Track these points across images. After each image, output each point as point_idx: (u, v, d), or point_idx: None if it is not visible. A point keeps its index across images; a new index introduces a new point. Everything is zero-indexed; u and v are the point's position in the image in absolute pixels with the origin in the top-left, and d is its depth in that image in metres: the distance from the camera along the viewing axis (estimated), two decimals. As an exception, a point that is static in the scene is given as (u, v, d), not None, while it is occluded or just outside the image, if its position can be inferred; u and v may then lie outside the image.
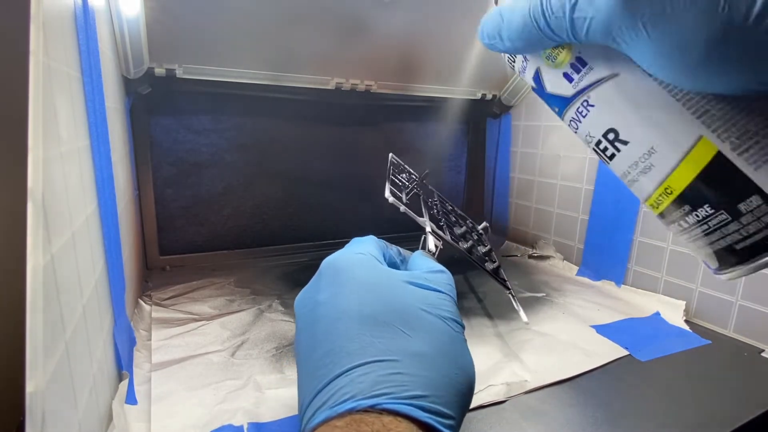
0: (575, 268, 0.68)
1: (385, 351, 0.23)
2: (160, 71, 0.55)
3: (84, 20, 0.31)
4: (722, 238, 0.19)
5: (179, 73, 0.56)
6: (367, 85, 0.69)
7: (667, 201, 0.20)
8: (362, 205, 0.79)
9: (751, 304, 0.48)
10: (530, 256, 0.76)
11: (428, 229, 0.43)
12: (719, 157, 0.18)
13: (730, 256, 0.19)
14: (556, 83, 0.23)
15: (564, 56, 0.21)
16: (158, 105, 0.61)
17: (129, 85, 0.54)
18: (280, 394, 0.36)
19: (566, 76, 0.22)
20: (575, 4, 0.18)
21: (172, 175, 0.65)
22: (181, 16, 0.50)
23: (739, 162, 0.17)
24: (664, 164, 0.19)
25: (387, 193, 0.43)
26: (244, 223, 0.71)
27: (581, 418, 0.34)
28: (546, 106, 0.25)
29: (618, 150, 0.21)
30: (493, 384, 0.37)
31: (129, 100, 0.55)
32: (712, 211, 0.19)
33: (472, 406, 0.35)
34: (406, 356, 0.23)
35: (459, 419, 0.24)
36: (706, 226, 0.19)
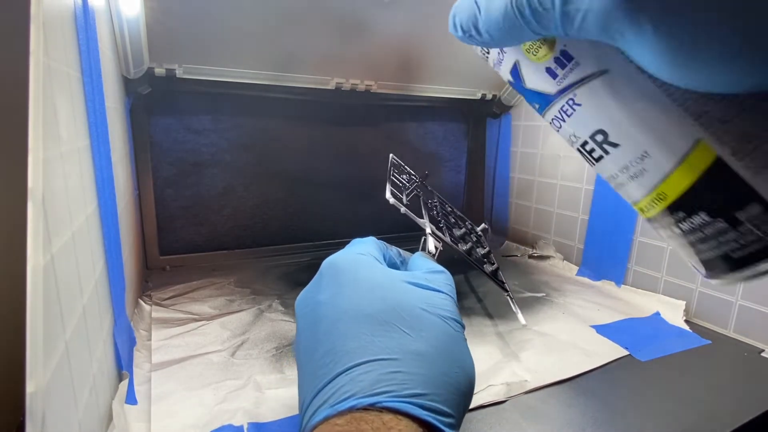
0: (575, 268, 0.68)
1: (385, 350, 0.23)
2: (160, 71, 0.55)
3: (84, 20, 0.31)
4: (717, 246, 0.17)
5: (179, 73, 0.56)
6: (367, 85, 0.69)
7: (659, 207, 0.19)
8: (362, 205, 0.79)
9: (751, 304, 0.48)
10: (530, 256, 0.76)
11: (428, 230, 0.43)
12: (718, 162, 0.16)
13: (724, 264, 0.18)
14: (537, 79, 0.21)
15: (547, 49, 0.19)
16: (158, 105, 0.61)
17: (129, 85, 0.54)
18: (280, 394, 0.36)
19: (549, 71, 0.20)
20: None
21: (172, 175, 0.65)
22: (181, 16, 0.50)
23: (739, 168, 0.16)
24: (657, 169, 0.18)
25: (388, 194, 0.43)
26: (244, 223, 0.71)
27: (581, 418, 0.34)
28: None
29: (606, 152, 0.19)
30: (493, 384, 0.37)
31: (129, 100, 0.55)
32: (709, 219, 0.17)
33: (472, 406, 0.35)
34: (407, 355, 0.23)
35: (459, 418, 0.24)
36: (700, 234, 0.18)
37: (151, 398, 0.35)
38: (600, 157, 0.20)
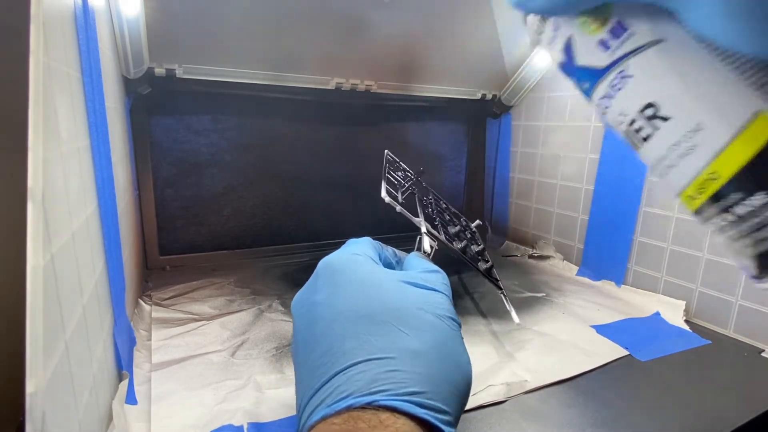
0: (575, 268, 0.68)
1: (381, 349, 0.23)
2: (160, 71, 0.55)
3: (84, 20, 0.31)
4: None
5: (179, 73, 0.57)
6: (367, 85, 0.69)
7: (711, 189, 0.17)
8: (362, 205, 0.79)
9: (751, 304, 0.48)
10: (530, 256, 0.76)
11: (423, 229, 0.43)
12: None
13: None
14: (589, 53, 0.20)
15: (603, 21, 0.19)
16: (158, 105, 0.61)
17: (129, 85, 0.54)
18: (280, 394, 0.36)
19: (603, 43, 0.19)
20: None
21: (172, 175, 0.65)
22: (181, 16, 0.50)
23: None
24: (711, 143, 0.16)
25: (383, 193, 0.43)
26: (244, 223, 0.71)
27: (581, 418, 0.34)
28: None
29: (656, 128, 0.18)
30: (492, 384, 0.37)
31: (129, 100, 0.55)
32: (767, 199, 0.16)
33: (472, 406, 0.35)
34: (403, 354, 0.23)
35: (456, 415, 0.24)
36: (757, 219, 0.16)
37: (151, 398, 0.35)
38: (648, 136, 0.19)
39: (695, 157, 0.17)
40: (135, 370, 0.38)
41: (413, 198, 0.52)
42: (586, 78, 0.21)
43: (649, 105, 0.18)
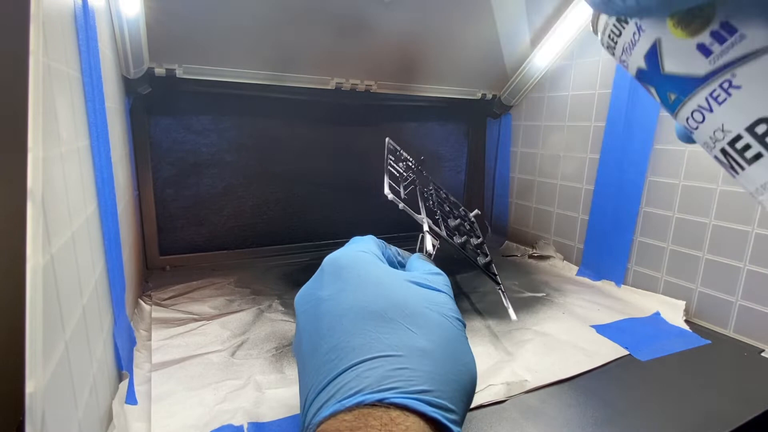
0: (575, 268, 0.68)
1: (390, 346, 0.23)
2: (160, 71, 0.55)
3: (84, 20, 0.31)
4: None
5: (179, 73, 0.57)
6: (367, 85, 0.69)
7: None
8: (362, 205, 0.79)
9: (751, 304, 0.48)
10: (530, 256, 0.76)
11: (426, 227, 0.43)
12: None
13: None
14: (683, 59, 0.17)
15: (703, 22, 0.16)
16: (158, 105, 0.61)
17: (129, 85, 0.54)
18: (280, 394, 0.36)
19: (702, 48, 0.16)
20: None
21: (172, 175, 0.65)
22: (181, 16, 0.50)
23: None
24: None
25: (386, 190, 0.43)
26: (244, 223, 0.71)
27: (581, 418, 0.34)
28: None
29: None
30: (493, 384, 0.37)
31: (129, 100, 0.55)
32: None
33: (472, 405, 0.35)
34: (412, 352, 0.23)
35: (462, 414, 0.24)
36: None
37: (151, 398, 0.35)
38: (757, 156, 0.16)
39: None
40: (135, 370, 0.38)
41: (414, 191, 0.52)
42: (676, 88, 0.18)
43: (763, 121, 0.16)
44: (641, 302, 0.56)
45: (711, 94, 0.16)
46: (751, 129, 0.16)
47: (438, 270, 0.33)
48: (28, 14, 0.21)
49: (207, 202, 0.68)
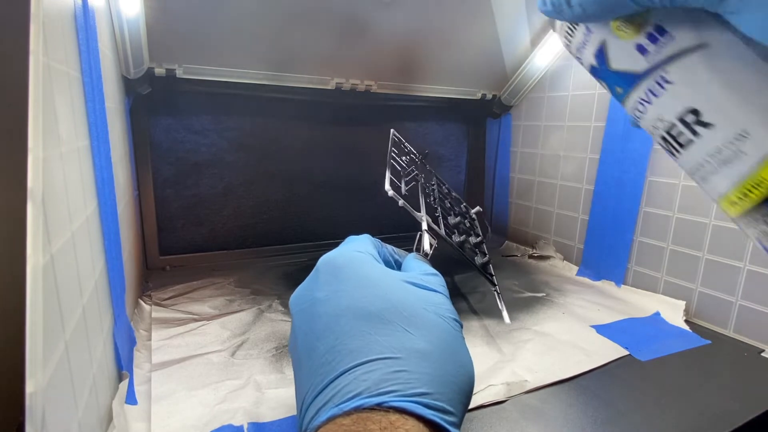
0: (575, 268, 0.68)
1: (388, 348, 0.23)
2: (160, 71, 0.55)
3: (84, 20, 0.31)
4: None
5: (179, 73, 0.57)
6: (367, 85, 0.69)
7: (754, 197, 0.17)
8: (362, 205, 0.79)
9: (751, 304, 0.48)
10: (530, 256, 0.76)
11: (425, 226, 0.43)
12: None
13: None
14: (624, 58, 0.19)
15: (639, 25, 0.18)
16: (158, 105, 0.61)
17: (129, 85, 0.54)
18: (280, 394, 0.36)
19: (640, 48, 0.19)
20: None
21: (172, 175, 0.65)
22: (181, 16, 0.50)
23: None
24: (757, 150, 0.16)
25: (387, 186, 0.43)
26: (244, 223, 0.71)
27: (581, 418, 0.34)
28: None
29: (697, 134, 0.18)
30: (493, 384, 0.37)
31: (129, 100, 0.55)
32: None
33: (472, 406, 0.35)
34: (410, 354, 0.23)
35: (461, 416, 0.24)
36: None
37: (151, 398, 0.35)
38: (688, 142, 0.18)
39: (740, 164, 0.17)
40: (135, 370, 0.38)
41: (415, 186, 0.52)
42: (621, 83, 0.20)
43: (691, 111, 0.18)
44: (641, 302, 0.56)
45: (649, 88, 0.19)
46: (681, 118, 0.18)
47: (434, 270, 0.32)
48: (28, 14, 0.21)
49: (207, 202, 0.68)
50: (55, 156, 0.23)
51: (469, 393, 0.25)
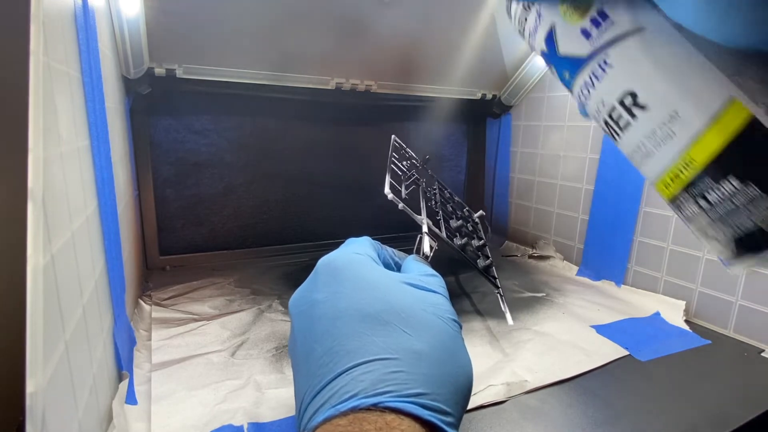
0: (575, 268, 0.68)
1: (385, 349, 0.23)
2: (160, 71, 0.55)
3: (84, 20, 0.31)
4: (749, 217, 0.16)
5: (179, 73, 0.56)
6: (367, 85, 0.69)
7: (686, 176, 0.17)
8: (362, 205, 0.79)
9: (751, 304, 0.48)
10: (530, 256, 0.76)
11: (425, 228, 0.43)
12: (752, 122, 0.15)
13: (755, 241, 0.16)
14: (571, 42, 0.20)
15: (584, 10, 0.19)
16: (158, 105, 0.61)
17: (129, 85, 0.54)
18: (280, 394, 0.36)
19: (584, 32, 0.19)
20: None
21: (172, 175, 0.65)
22: (181, 16, 0.50)
23: None
24: (687, 130, 0.17)
25: (387, 189, 0.43)
26: (244, 223, 0.71)
27: (581, 418, 0.34)
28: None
29: (634, 116, 0.18)
30: (493, 384, 0.37)
31: (129, 100, 0.55)
32: (740, 185, 0.16)
33: (472, 406, 0.35)
34: (407, 354, 0.23)
35: (459, 417, 0.24)
36: (730, 204, 0.16)
37: (151, 398, 0.35)
38: (627, 124, 0.19)
39: (672, 145, 0.17)
40: (135, 370, 0.38)
41: (417, 190, 0.52)
42: (568, 67, 0.21)
43: (628, 94, 0.18)
44: (641, 302, 0.56)
45: (593, 72, 0.20)
46: (620, 101, 0.19)
47: (433, 271, 0.33)
48: (28, 14, 0.21)
49: (207, 202, 0.68)
50: (55, 156, 0.23)
51: (467, 393, 0.25)
